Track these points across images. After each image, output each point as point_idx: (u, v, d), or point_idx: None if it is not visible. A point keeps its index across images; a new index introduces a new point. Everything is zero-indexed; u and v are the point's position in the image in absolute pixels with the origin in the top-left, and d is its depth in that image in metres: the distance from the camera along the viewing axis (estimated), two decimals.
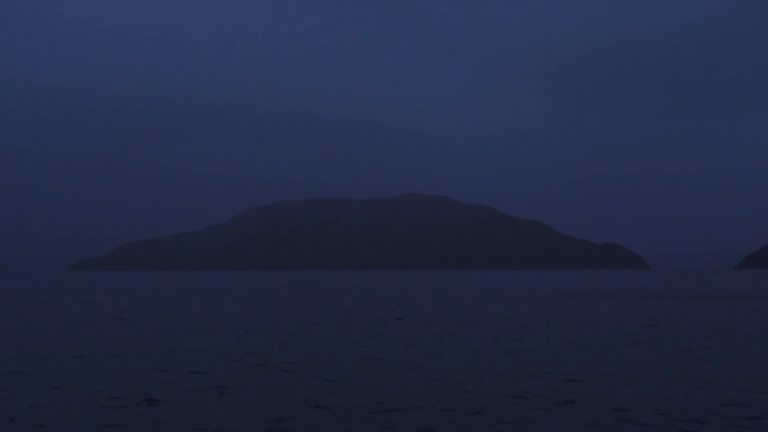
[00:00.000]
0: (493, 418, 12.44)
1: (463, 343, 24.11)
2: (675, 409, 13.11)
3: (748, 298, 57.34)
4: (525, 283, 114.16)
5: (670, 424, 11.96)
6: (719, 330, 28.62)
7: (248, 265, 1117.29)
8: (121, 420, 12.37)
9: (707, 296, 60.47)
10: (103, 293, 72.90)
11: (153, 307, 46.57)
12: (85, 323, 33.24)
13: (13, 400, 14.22)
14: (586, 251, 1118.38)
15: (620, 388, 15.29)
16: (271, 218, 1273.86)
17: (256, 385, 15.81)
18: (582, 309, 42.49)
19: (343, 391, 15.00)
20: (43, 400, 14.26)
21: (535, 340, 24.96)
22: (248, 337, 26.44)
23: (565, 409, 13.13)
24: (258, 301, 54.34)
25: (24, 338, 26.46)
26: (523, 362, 19.32)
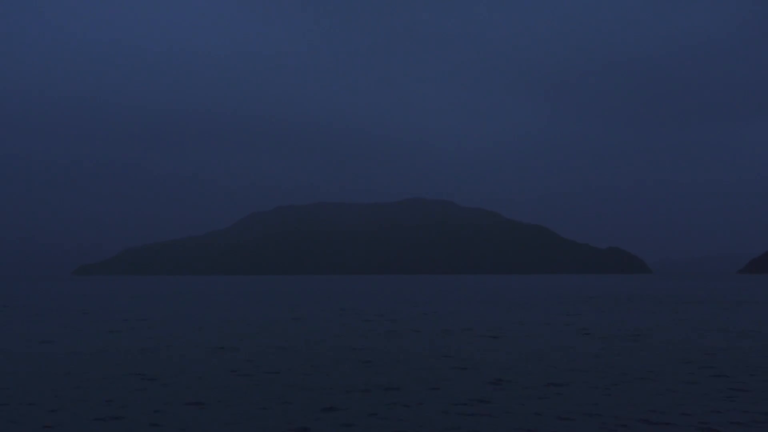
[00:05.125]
0: None
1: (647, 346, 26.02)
2: None
3: None
4: (550, 288, 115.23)
5: None
6: None
7: (252, 269, 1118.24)
8: None
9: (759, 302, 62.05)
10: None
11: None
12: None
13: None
14: (589, 255, 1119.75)
15: None
16: (275, 223, 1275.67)
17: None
18: (670, 315, 44.29)
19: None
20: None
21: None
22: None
23: None
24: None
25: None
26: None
